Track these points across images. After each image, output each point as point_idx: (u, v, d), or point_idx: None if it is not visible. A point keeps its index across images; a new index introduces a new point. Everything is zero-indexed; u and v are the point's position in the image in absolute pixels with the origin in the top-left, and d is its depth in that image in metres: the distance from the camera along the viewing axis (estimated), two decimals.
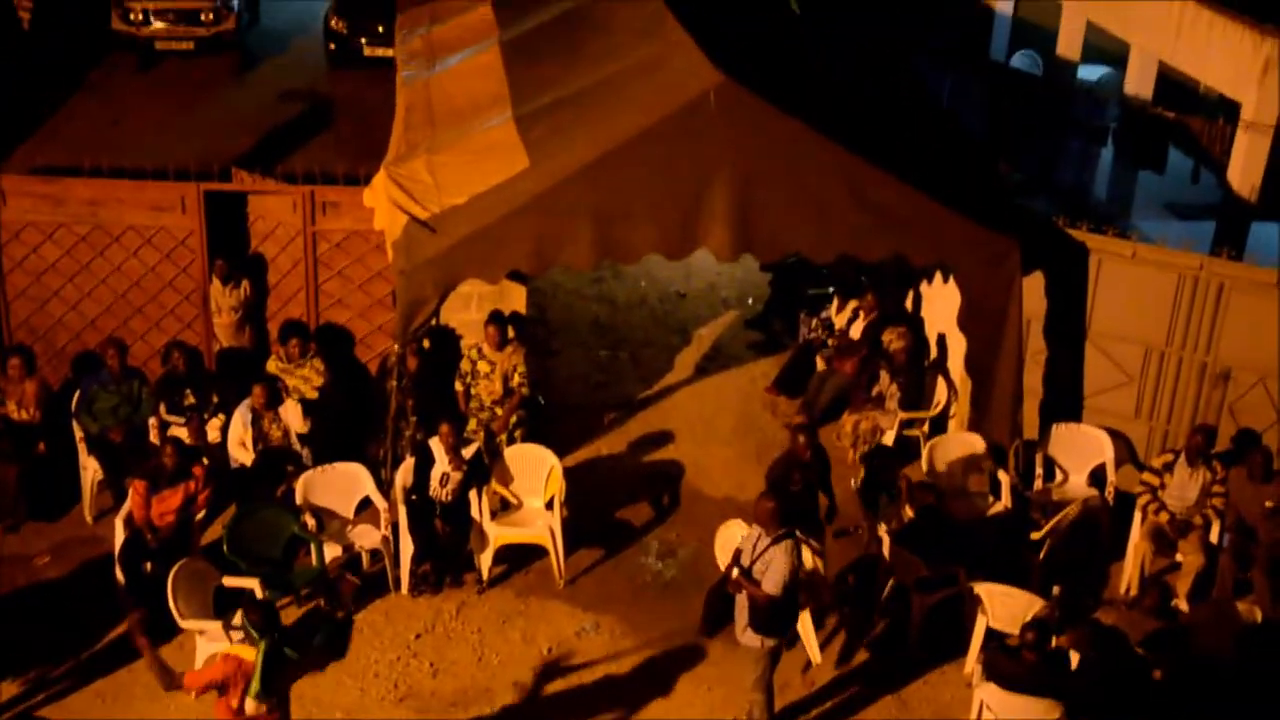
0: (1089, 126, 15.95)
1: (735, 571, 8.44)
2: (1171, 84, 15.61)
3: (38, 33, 18.14)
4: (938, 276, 11.44)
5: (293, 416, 10.34)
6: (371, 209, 10.61)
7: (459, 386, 10.93)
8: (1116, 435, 10.88)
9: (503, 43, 12.09)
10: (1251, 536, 9.79)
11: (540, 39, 11.97)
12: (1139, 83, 15.62)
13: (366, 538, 9.94)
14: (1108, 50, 16.72)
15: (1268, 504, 9.83)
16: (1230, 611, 9.16)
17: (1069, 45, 17.15)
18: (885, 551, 9.77)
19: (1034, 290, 10.63)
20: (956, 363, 11.37)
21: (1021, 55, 18.54)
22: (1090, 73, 17.22)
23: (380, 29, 17.38)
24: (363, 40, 18.14)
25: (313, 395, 10.70)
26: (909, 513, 9.84)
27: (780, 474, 9.62)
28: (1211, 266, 10.55)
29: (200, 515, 9.79)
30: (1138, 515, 10.25)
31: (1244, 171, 13.63)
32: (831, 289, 12.51)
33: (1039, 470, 10.79)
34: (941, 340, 11.87)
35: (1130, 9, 15.55)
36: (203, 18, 18.21)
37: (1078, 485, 10.78)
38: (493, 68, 11.72)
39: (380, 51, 17.32)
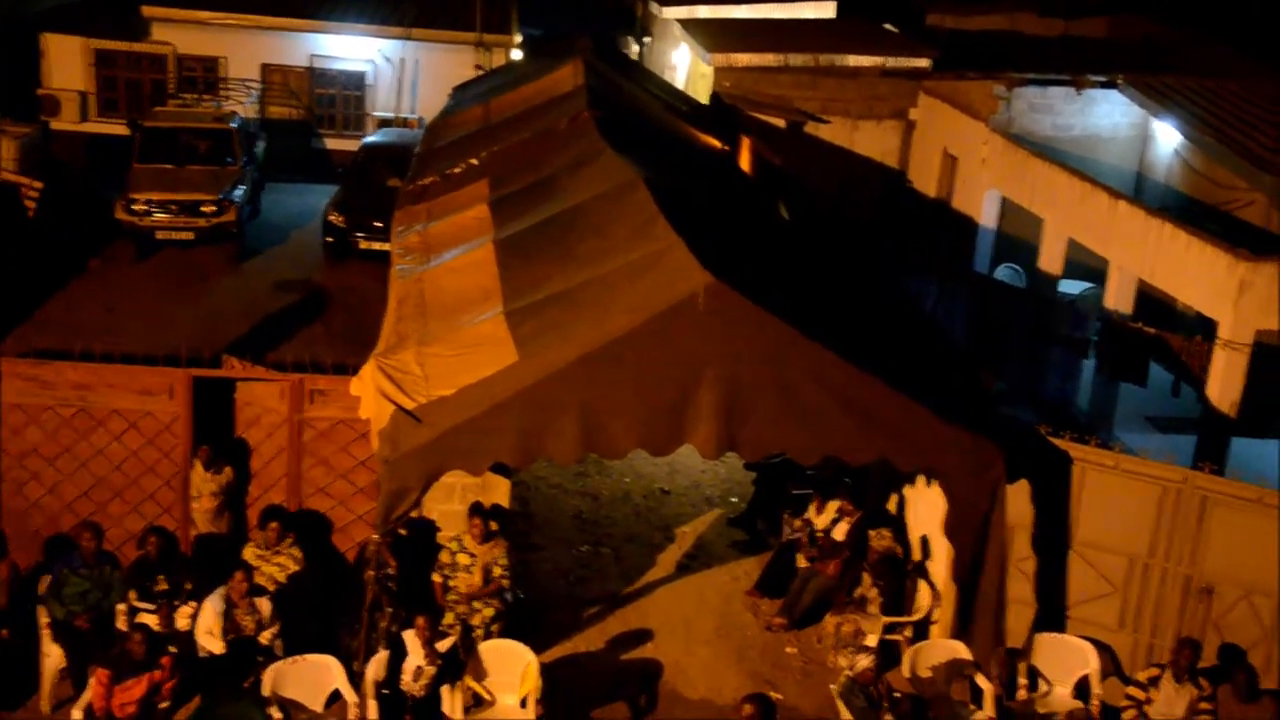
0: (1071, 339, 16.23)
1: None
2: (1151, 300, 15.97)
3: (41, 221, 18.53)
4: (920, 480, 11.46)
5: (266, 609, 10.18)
6: (359, 398, 10.67)
7: (437, 578, 10.81)
8: (1101, 646, 10.75)
9: (497, 241, 12.37)
10: None
11: (534, 238, 12.25)
12: (1119, 298, 15.99)
13: None
14: (1088, 266, 17.16)
15: None
16: None
17: (1050, 260, 17.61)
18: None
19: (1019, 499, 10.65)
20: (940, 567, 11.30)
21: (1005, 268, 19.01)
22: (1071, 287, 17.63)
23: (377, 224, 17.79)
24: (359, 235, 18.56)
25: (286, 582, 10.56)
26: None
27: None
28: (1195, 480, 10.60)
29: (164, 705, 9.52)
30: None
31: (1223, 388, 13.83)
32: (812, 490, 12.51)
33: (1022, 680, 10.61)
34: (925, 544, 11.81)
35: (1110, 227, 16.02)
36: (204, 209, 18.66)
37: (1062, 697, 10.59)
38: (486, 264, 11.95)
39: (376, 245, 17.70)
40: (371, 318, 11.93)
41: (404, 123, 23.41)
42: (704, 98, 21.82)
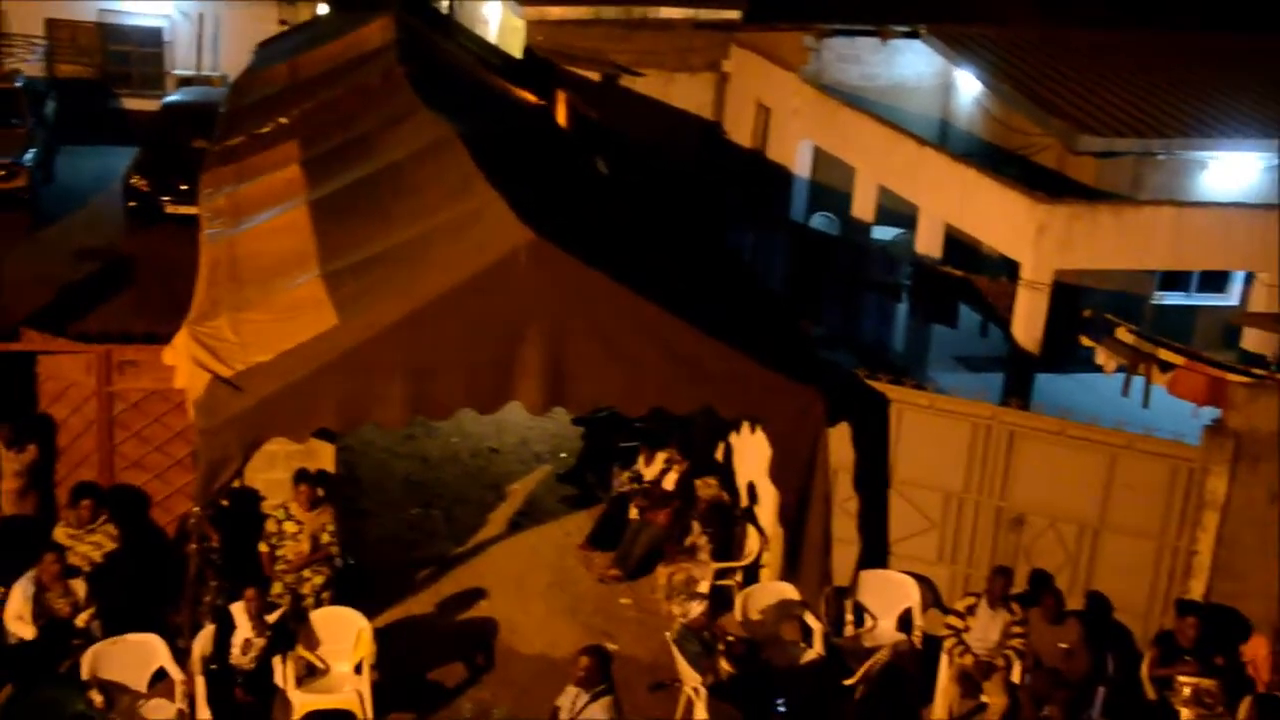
0: (884, 284, 16.70)
1: None
2: (958, 244, 16.53)
3: None
4: (746, 427, 11.68)
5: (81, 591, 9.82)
6: (173, 368, 10.32)
7: (263, 548, 10.57)
8: (922, 580, 11.16)
9: (311, 201, 12.05)
10: (1053, 676, 10.08)
11: (349, 198, 11.99)
12: (928, 243, 16.50)
13: (160, 712, 9.40)
14: (899, 212, 17.65)
15: (1062, 645, 10.18)
16: None
17: (863, 207, 18.05)
18: (703, 707, 9.71)
19: (840, 441, 10.94)
20: (767, 512, 11.56)
21: (819, 216, 19.41)
22: (884, 233, 18.11)
23: (183, 187, 17.14)
24: (164, 198, 17.85)
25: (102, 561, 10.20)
26: (725, 665, 9.83)
27: None
28: (1003, 416, 11.06)
29: None
30: (944, 658, 10.47)
31: (1026, 326, 14.42)
32: (639, 442, 12.63)
33: (849, 617, 10.96)
34: (752, 490, 12.06)
35: (918, 175, 16.50)
36: None
37: (887, 630, 10.98)
38: (300, 226, 11.65)
39: (183, 209, 17.03)
40: (182, 284, 11.49)
41: (206, 81, 22.54)
42: (517, 52, 21.60)
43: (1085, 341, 14.50)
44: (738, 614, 10.62)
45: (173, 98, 20.72)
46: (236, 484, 10.42)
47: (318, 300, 10.13)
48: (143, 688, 9.54)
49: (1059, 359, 14.79)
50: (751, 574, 11.68)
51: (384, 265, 10.40)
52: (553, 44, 21.15)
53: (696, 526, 11.68)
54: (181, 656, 9.57)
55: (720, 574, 11.51)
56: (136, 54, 23.05)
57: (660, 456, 12.34)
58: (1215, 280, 17.31)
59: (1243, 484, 10.40)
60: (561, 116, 18.01)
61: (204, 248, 11.82)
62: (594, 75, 21.14)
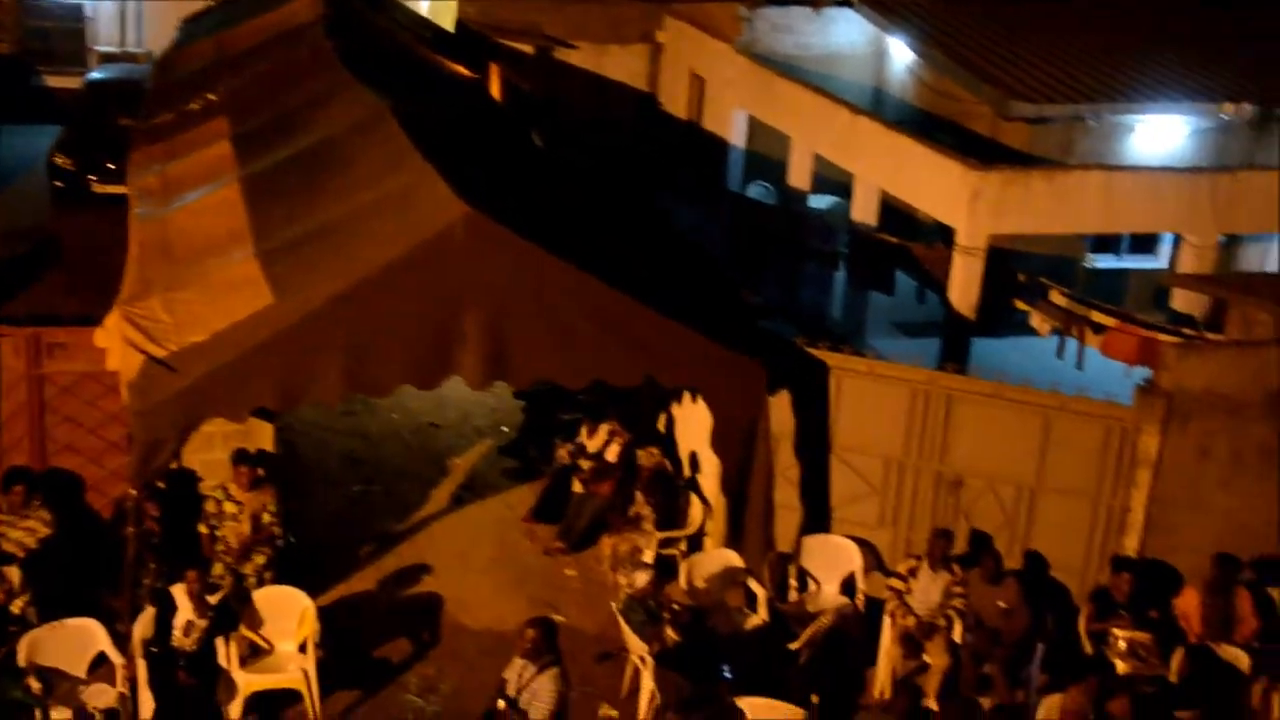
0: (822, 252, 16.80)
1: (502, 703, 8.27)
2: (894, 211, 16.66)
3: None
4: (688, 398, 11.72)
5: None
6: (105, 349, 10.16)
7: (203, 529, 10.47)
8: (864, 544, 11.28)
9: (243, 178, 11.89)
10: (992, 636, 10.24)
11: (282, 175, 11.84)
12: (864, 210, 16.60)
13: (100, 697, 9.28)
14: (835, 180, 17.74)
15: (1001, 604, 10.34)
16: (974, 709, 9.51)
17: (799, 176, 18.12)
18: (650, 676, 9.76)
19: (781, 409, 11.01)
20: (709, 481, 11.62)
21: (756, 186, 19.46)
22: (820, 202, 18.21)
23: (110, 166, 16.83)
24: (92, 177, 17.51)
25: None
26: (671, 634, 9.88)
27: None
28: (940, 380, 11.18)
29: None
30: (886, 620, 10.60)
31: (962, 291, 14.58)
32: (581, 414, 12.64)
33: (793, 582, 11.06)
34: (694, 459, 12.11)
35: (852, 143, 16.58)
36: None
37: (830, 595, 11.09)
38: (233, 203, 11.50)
39: (111, 188, 16.70)
40: (112, 265, 11.31)
41: (131, 58, 22.10)
42: (449, 25, 21.40)
43: (1020, 305, 14.70)
44: (683, 582, 10.68)
45: (96, 75, 20.29)
46: (174, 465, 10.31)
47: (253, 278, 10.02)
48: (82, 673, 9.41)
49: (994, 323, 14.98)
50: (695, 542, 11.75)
51: (319, 242, 10.29)
52: (485, 17, 20.97)
53: (640, 497, 11.72)
54: (121, 641, 9.45)
55: (664, 543, 11.56)
56: (57, 30, 22.53)
57: (602, 428, 12.35)
58: (1145, 243, 17.60)
59: (1173, 442, 10.60)
60: (495, 90, 17.88)
61: (134, 227, 11.63)
62: (527, 48, 21.01)
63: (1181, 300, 15.71)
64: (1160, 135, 16.60)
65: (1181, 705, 9.67)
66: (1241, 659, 9.97)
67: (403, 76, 14.88)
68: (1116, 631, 10.15)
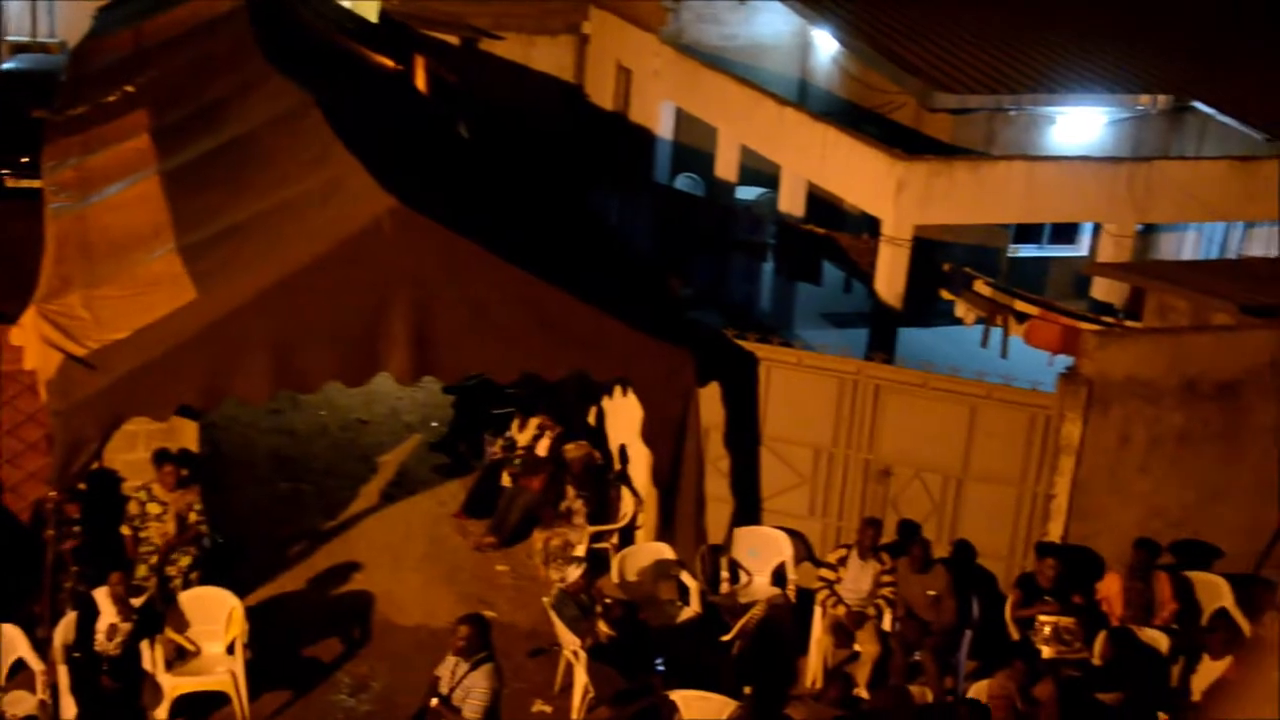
0: (750, 243, 16.86)
1: (435, 701, 8.22)
2: (821, 202, 16.76)
3: None
4: (618, 391, 11.71)
5: None
6: (21, 348, 9.93)
7: (126, 531, 10.29)
8: (794, 534, 11.36)
9: (163, 172, 11.68)
10: (922, 624, 10.36)
11: (204, 168, 11.65)
12: (791, 202, 16.70)
13: (20, 704, 9.06)
14: (762, 171, 17.81)
15: (930, 592, 10.46)
16: (905, 696, 9.62)
17: (726, 167, 18.18)
18: (583, 670, 9.76)
19: (711, 400, 11.04)
20: (640, 473, 11.63)
21: (684, 177, 19.49)
22: (747, 193, 18.27)
23: (23, 159, 16.44)
24: (4, 171, 17.11)
25: None
26: (604, 628, 9.88)
27: None
28: (868, 370, 11.28)
29: None
30: (817, 610, 10.68)
31: (889, 281, 14.72)
32: (510, 409, 12.58)
33: (725, 574, 11.10)
34: (625, 452, 12.11)
35: (779, 134, 16.66)
36: None
37: (762, 585, 11.15)
38: (153, 198, 11.29)
39: (25, 183, 16.33)
40: (28, 261, 11.06)
41: (43, 48, 21.58)
42: (373, 16, 21.16)
43: (945, 295, 14.87)
44: (615, 576, 10.68)
45: (7, 65, 19.81)
46: (95, 466, 10.11)
47: (175, 274, 9.85)
48: (0, 680, 9.22)
49: (921, 313, 15.14)
50: (627, 536, 11.75)
51: (243, 237, 10.14)
52: (409, 8, 20.77)
53: (571, 491, 11.70)
54: (42, 646, 9.26)
55: (596, 537, 11.56)
56: None
57: (533, 422, 12.32)
58: (1066, 232, 17.89)
59: (1095, 429, 10.78)
60: (420, 82, 17.72)
61: (50, 222, 11.38)
62: (453, 39, 20.85)
63: (1101, 289, 15.99)
64: (1080, 126, 16.88)
65: (1104, 688, 9.85)
66: (1161, 641, 10.18)
67: (327, 69, 14.69)
68: (1042, 617, 10.29)
